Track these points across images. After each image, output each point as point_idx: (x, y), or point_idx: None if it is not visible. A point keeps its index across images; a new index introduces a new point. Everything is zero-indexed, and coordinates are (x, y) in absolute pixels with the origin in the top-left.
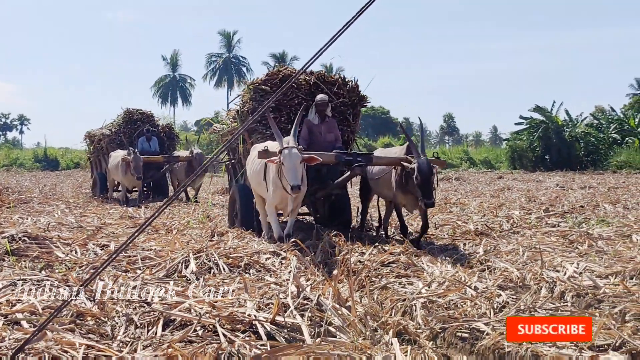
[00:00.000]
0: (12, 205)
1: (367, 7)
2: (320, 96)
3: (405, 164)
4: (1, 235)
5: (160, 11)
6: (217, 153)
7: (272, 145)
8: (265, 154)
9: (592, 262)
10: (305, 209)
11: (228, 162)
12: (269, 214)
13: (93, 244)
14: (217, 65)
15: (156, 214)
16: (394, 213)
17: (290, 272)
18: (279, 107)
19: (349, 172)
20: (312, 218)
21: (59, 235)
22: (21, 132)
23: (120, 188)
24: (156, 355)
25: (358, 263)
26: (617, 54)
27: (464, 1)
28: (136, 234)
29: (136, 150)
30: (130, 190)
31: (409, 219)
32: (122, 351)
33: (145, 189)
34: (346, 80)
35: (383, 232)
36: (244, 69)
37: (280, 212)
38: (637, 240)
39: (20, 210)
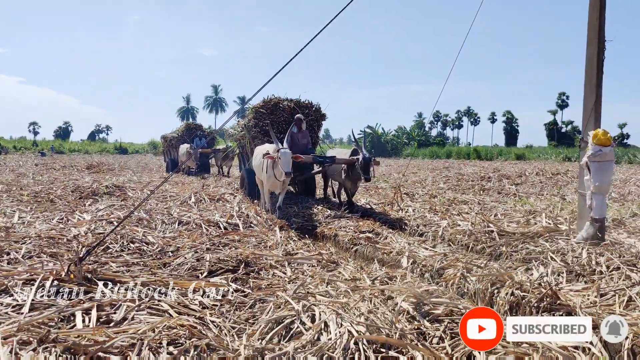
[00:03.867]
0: (105, 171)
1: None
2: (298, 115)
3: (353, 158)
4: (102, 185)
5: None
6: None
7: (269, 147)
8: (268, 155)
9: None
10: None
11: (238, 153)
12: (265, 194)
13: (148, 190)
14: None
15: (156, 188)
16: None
17: (237, 202)
18: (272, 123)
19: (320, 168)
20: (293, 191)
21: (129, 186)
22: (107, 134)
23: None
24: (176, 233)
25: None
26: (408, 102)
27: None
28: (144, 201)
29: (194, 146)
30: (190, 168)
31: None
32: (164, 235)
33: (198, 169)
34: (313, 104)
35: (337, 199)
36: None
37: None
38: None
39: (109, 173)
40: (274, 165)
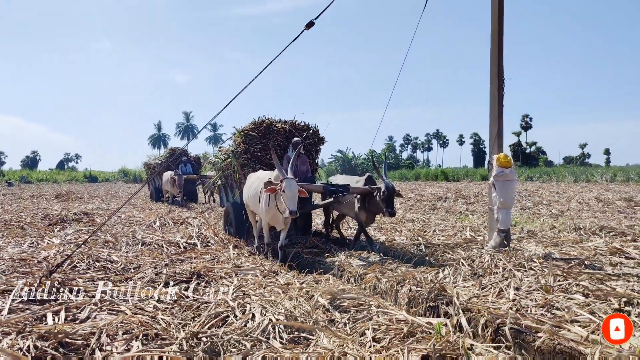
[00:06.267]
0: (74, 199)
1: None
2: (295, 139)
3: (372, 187)
4: (71, 212)
5: None
6: None
7: (267, 175)
8: (269, 184)
9: None
10: None
11: (220, 184)
12: (264, 229)
13: (116, 216)
14: None
15: (121, 206)
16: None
17: (196, 224)
18: (264, 147)
19: (332, 199)
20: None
21: (97, 213)
22: (76, 162)
23: (167, 195)
24: (139, 252)
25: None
26: (380, 128)
27: None
28: (108, 219)
29: (179, 172)
30: (174, 196)
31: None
32: (127, 254)
33: (184, 197)
34: (310, 126)
35: (338, 233)
36: None
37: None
38: None
39: (78, 201)
40: (277, 196)
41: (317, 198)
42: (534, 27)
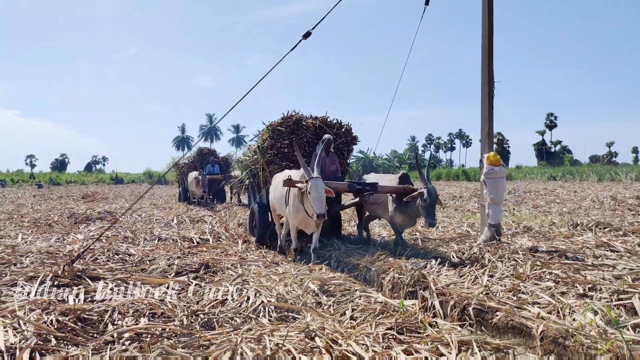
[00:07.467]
0: (99, 199)
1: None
2: (326, 135)
3: (408, 187)
4: (95, 211)
5: None
6: None
7: (293, 174)
8: (289, 182)
9: None
10: None
11: (248, 184)
12: (291, 232)
13: (137, 214)
14: None
15: (131, 205)
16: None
17: (210, 221)
18: (292, 144)
19: (357, 198)
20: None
21: (119, 212)
22: (103, 165)
23: (193, 196)
24: (155, 247)
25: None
26: (401, 127)
27: None
28: (124, 213)
29: (202, 172)
30: (200, 197)
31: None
32: (144, 248)
33: (210, 196)
34: (342, 123)
35: (365, 233)
36: None
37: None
38: None
39: (103, 201)
40: (304, 197)
41: (347, 198)
42: (561, 25)
